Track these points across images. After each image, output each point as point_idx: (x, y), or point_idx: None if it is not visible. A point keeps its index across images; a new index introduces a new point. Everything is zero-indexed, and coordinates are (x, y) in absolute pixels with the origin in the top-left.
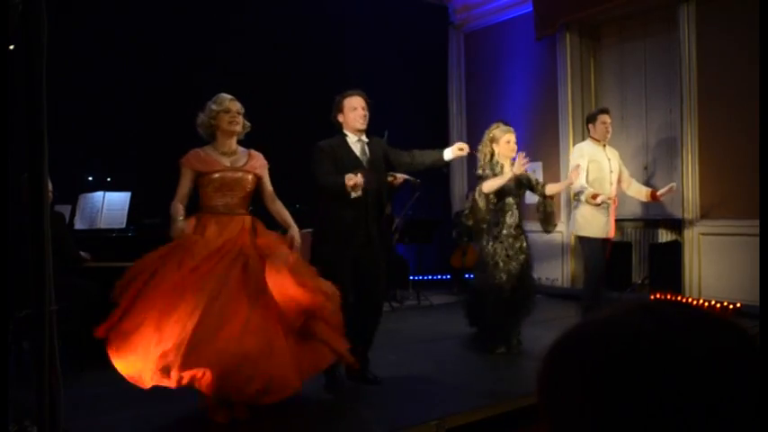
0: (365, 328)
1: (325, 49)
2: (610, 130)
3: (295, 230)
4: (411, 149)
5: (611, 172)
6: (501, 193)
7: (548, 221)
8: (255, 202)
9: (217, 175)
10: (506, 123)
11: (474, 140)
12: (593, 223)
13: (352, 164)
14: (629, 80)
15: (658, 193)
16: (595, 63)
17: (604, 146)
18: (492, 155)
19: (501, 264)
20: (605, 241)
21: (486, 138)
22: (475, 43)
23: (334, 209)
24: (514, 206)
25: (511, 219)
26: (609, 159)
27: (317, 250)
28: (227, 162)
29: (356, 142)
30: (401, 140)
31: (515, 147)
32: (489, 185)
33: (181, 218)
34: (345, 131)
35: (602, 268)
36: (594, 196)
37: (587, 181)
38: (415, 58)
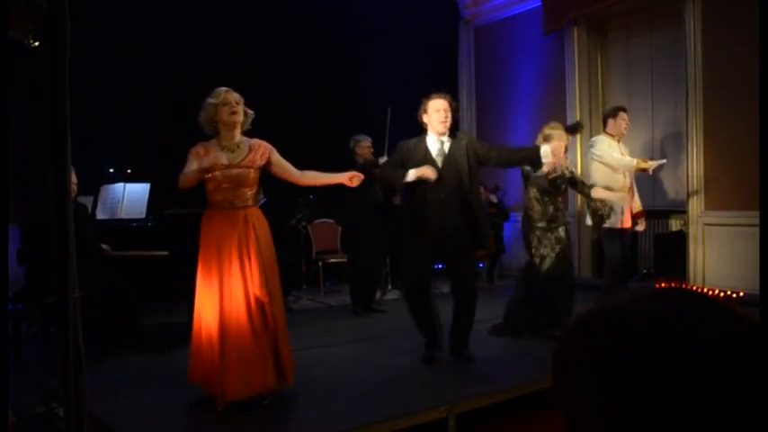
0: (461, 314)
1: (337, 45)
2: (628, 126)
3: (343, 175)
4: (502, 146)
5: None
6: (543, 190)
7: (597, 219)
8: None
9: (216, 174)
10: (562, 126)
11: (482, 133)
12: (615, 214)
13: (424, 160)
14: (635, 75)
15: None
16: (602, 58)
17: (618, 141)
18: None
19: (534, 251)
20: (622, 231)
21: (540, 136)
22: (484, 38)
23: (415, 203)
24: (551, 200)
25: (547, 211)
26: (623, 155)
27: (402, 242)
28: (225, 159)
29: (435, 141)
30: (412, 134)
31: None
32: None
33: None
34: (428, 132)
35: (621, 257)
36: (645, 160)
37: (601, 175)
38: (425, 53)
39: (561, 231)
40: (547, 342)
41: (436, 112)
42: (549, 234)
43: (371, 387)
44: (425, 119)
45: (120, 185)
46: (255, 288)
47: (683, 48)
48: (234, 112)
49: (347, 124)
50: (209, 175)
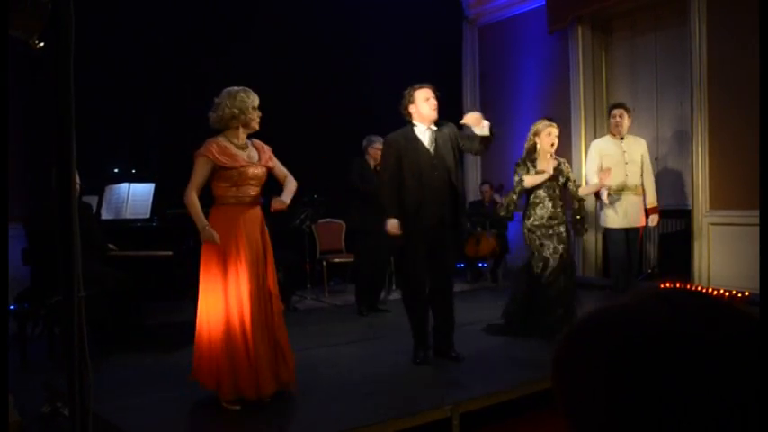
0: (444, 307)
1: (341, 45)
2: (619, 123)
3: (287, 193)
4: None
5: (627, 163)
6: (544, 187)
7: (579, 226)
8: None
9: (237, 171)
10: (551, 119)
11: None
12: (615, 214)
13: (420, 153)
14: (640, 73)
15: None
16: (607, 56)
17: (621, 138)
18: (534, 147)
19: (536, 253)
20: (629, 231)
21: (530, 132)
22: (488, 37)
23: (405, 193)
24: (546, 198)
25: (541, 210)
26: (624, 151)
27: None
28: (245, 156)
29: (425, 131)
30: None
31: (556, 140)
32: (530, 181)
33: (206, 222)
34: (415, 122)
35: (623, 258)
36: (598, 187)
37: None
38: (429, 53)
39: (562, 229)
40: (547, 343)
41: (426, 101)
42: (551, 232)
43: (376, 387)
44: (412, 109)
45: (124, 186)
46: (270, 284)
47: (687, 46)
48: (258, 121)
49: (350, 124)
50: (228, 172)
